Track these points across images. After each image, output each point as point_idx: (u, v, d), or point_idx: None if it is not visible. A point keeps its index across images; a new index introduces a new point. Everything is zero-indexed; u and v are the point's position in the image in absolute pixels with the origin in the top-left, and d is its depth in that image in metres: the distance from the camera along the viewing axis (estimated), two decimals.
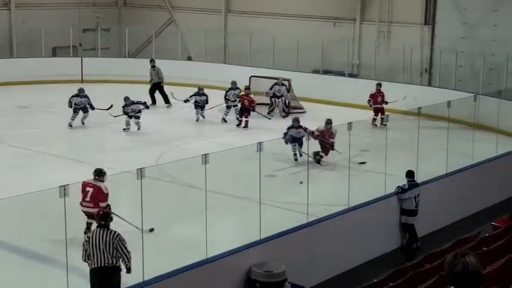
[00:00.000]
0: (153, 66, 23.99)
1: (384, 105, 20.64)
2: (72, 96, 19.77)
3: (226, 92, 21.30)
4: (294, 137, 16.47)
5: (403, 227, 12.49)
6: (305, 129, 16.53)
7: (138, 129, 19.57)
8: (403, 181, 12.43)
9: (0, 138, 18.20)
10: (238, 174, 14.91)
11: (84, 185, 11.28)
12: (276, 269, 9.69)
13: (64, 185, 8.21)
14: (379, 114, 20.46)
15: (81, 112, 19.65)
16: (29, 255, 11.12)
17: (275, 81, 22.70)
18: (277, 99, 22.00)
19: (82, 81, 26.32)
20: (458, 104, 15.90)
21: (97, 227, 8.90)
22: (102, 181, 11.36)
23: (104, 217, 8.97)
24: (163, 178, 14.10)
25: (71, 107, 19.58)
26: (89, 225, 11.30)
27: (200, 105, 21.09)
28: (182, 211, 12.71)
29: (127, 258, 8.83)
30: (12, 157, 16.46)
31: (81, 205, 11.25)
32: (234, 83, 21.43)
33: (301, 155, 16.39)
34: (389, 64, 24.56)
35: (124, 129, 19.47)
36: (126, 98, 19.93)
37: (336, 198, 12.38)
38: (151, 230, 11.34)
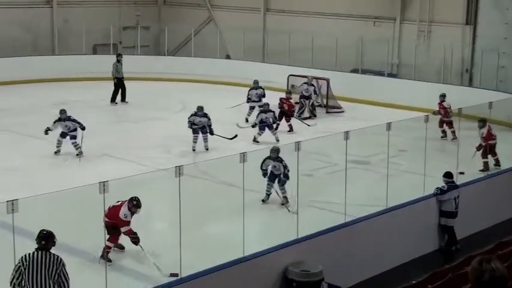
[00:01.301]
0: (120, 61, 23.61)
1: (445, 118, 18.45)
2: (191, 116, 17.43)
3: (248, 91, 21.21)
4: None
5: (442, 229, 12.35)
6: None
7: (77, 155, 16.36)
8: (442, 182, 12.30)
9: (40, 135, 18.43)
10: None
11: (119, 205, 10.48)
12: (313, 269, 9.65)
13: (104, 181, 8.27)
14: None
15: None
16: (67, 250, 11.24)
17: (314, 81, 22.64)
18: (305, 100, 21.58)
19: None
20: (499, 105, 15.67)
21: (36, 249, 7.80)
22: (135, 212, 10.42)
23: (45, 237, 7.85)
24: (201, 176, 14.15)
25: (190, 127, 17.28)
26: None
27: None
28: (219, 209, 12.73)
29: (66, 286, 7.89)
30: (51, 153, 16.65)
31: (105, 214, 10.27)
32: (256, 82, 21.27)
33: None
34: (429, 64, 24.30)
35: (55, 152, 16.56)
36: (63, 111, 16.82)
37: (374, 199, 12.28)
38: (174, 275, 9.60)
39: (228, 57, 29.40)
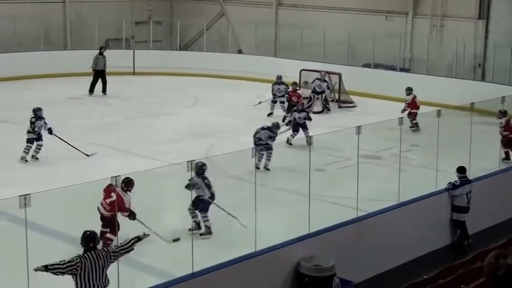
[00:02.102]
0: (102, 54, 23.71)
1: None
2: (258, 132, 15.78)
3: (272, 85, 21.29)
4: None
5: (454, 223, 12.33)
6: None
7: (34, 156, 15.87)
8: (455, 177, 12.27)
9: (54, 128, 18.51)
10: (287, 167, 14.89)
11: (112, 189, 10.52)
12: (325, 264, 9.66)
13: (116, 176, 8.32)
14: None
15: None
16: (77, 245, 11.29)
17: (326, 75, 22.60)
18: (316, 95, 21.61)
19: (134, 73, 26.63)
20: None
21: (85, 251, 7.89)
22: (130, 191, 10.74)
23: (92, 239, 7.97)
24: (213, 170, 14.16)
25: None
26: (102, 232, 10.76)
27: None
28: (231, 204, 12.75)
29: (132, 244, 8.15)
30: (63, 147, 16.72)
31: (101, 205, 10.81)
32: (279, 77, 21.26)
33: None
34: (441, 59, 24.21)
35: (22, 157, 15.75)
36: (38, 109, 16.28)
37: (386, 194, 12.27)
38: (177, 239, 10.71)
39: (240, 51, 29.41)
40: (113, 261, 8.03)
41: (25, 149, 15.76)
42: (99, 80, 23.51)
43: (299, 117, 17.61)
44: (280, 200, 13.09)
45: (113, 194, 10.61)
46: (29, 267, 7.72)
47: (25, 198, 7.40)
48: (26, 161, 15.71)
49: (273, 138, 15.24)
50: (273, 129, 15.37)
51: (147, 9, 30.33)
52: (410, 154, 15.73)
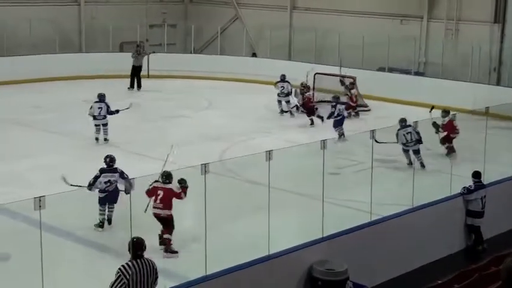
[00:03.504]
0: (139, 51, 25.31)
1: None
2: None
3: (275, 83, 21.76)
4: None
5: (468, 228, 12.26)
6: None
7: (106, 139, 17.79)
8: (469, 182, 12.20)
9: (68, 131, 18.62)
10: (301, 171, 14.87)
11: (155, 188, 11.06)
12: (338, 268, 9.63)
13: (131, 178, 8.33)
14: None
15: None
16: (95, 247, 11.34)
17: (339, 79, 22.57)
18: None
19: (148, 76, 26.69)
20: None
21: (133, 257, 7.66)
22: (171, 183, 11.12)
23: (139, 246, 7.73)
24: (226, 174, 14.18)
25: None
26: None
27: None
28: (245, 207, 12.76)
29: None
30: (77, 149, 16.81)
31: (153, 207, 11.08)
32: (283, 76, 21.79)
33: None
34: (456, 63, 24.11)
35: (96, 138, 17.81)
36: (101, 95, 18.09)
37: (400, 198, 12.22)
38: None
39: (254, 55, 29.43)
40: (156, 277, 7.76)
41: (95, 131, 17.63)
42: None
43: (341, 110, 18.70)
44: (294, 203, 13.07)
45: (159, 192, 10.99)
46: (43, 269, 7.74)
47: (40, 200, 7.42)
48: (97, 139, 17.59)
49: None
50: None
51: (162, 12, 30.44)
52: (425, 158, 15.66)
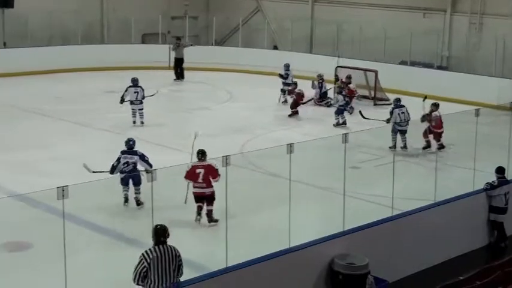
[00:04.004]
0: (179, 44, 25.83)
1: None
2: None
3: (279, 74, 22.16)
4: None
5: (491, 224, 12.15)
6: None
7: (141, 122, 18.64)
8: (493, 178, 12.09)
9: (89, 122, 18.69)
10: (322, 164, 14.82)
11: (194, 167, 11.54)
12: (359, 262, 9.59)
13: (151, 170, 8.34)
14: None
15: None
16: (116, 237, 11.39)
17: (362, 72, 22.46)
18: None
19: (169, 67, 26.73)
20: None
21: (156, 244, 7.84)
22: (205, 160, 11.65)
23: (163, 233, 7.87)
24: (247, 166, 14.17)
25: None
26: (199, 209, 11.72)
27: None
28: (265, 199, 12.74)
29: (181, 275, 8.05)
30: (100, 140, 16.87)
31: (194, 187, 11.57)
32: (287, 65, 22.17)
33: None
34: (480, 57, 23.90)
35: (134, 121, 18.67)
36: (135, 79, 18.87)
37: (422, 193, 12.15)
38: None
39: (275, 47, 29.37)
40: (181, 264, 7.93)
41: (132, 115, 18.45)
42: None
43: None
44: (315, 196, 13.03)
45: (198, 171, 11.47)
46: (66, 258, 7.78)
47: (63, 190, 7.46)
48: (134, 122, 18.37)
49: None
50: None
51: (184, 4, 30.45)
52: (447, 153, 15.56)
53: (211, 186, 11.51)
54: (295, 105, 20.36)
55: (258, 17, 30.69)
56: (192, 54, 26.68)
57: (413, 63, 24.97)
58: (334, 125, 19.04)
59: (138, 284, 7.82)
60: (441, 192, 11.66)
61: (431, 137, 16.23)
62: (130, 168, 12.18)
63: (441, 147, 15.91)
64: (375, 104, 22.37)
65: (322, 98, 21.72)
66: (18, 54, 25.41)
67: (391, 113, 16.79)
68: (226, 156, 9.02)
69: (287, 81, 21.95)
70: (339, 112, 19.23)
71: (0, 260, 10.28)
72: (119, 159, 12.23)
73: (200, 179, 11.51)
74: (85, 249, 10.38)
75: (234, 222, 11.09)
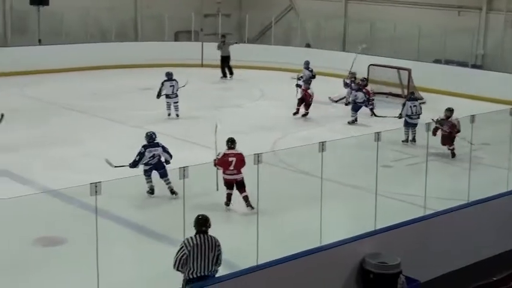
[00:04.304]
0: (224, 42, 25.96)
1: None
2: None
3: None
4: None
5: None
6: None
7: (177, 114, 19.33)
8: None
9: (123, 119, 18.84)
10: (353, 163, 14.77)
11: (227, 155, 12.13)
12: (391, 261, 9.52)
13: (184, 167, 8.38)
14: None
15: None
16: (147, 233, 11.47)
17: (395, 70, 22.31)
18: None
19: (202, 65, 26.83)
20: None
21: (197, 232, 8.13)
22: (235, 148, 12.29)
23: (205, 223, 8.21)
24: (279, 164, 14.17)
25: None
26: (229, 196, 12.20)
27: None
28: (296, 198, 12.73)
29: (220, 265, 8.35)
30: (134, 137, 16.96)
31: (225, 174, 12.13)
32: (307, 62, 22.15)
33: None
34: None
35: (168, 114, 19.33)
36: (169, 73, 19.49)
37: (455, 193, 12.05)
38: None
39: (308, 45, 29.29)
40: (219, 255, 8.21)
41: (167, 108, 19.17)
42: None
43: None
44: (346, 195, 12.99)
45: (231, 159, 12.08)
46: (98, 253, 7.86)
47: (96, 186, 7.53)
48: (169, 115, 19.14)
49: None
50: None
51: (216, 2, 30.50)
52: (481, 153, 15.37)
53: (241, 173, 12.03)
54: (301, 103, 19.81)
55: (290, 15, 30.64)
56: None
57: (447, 62, 24.75)
58: (349, 122, 19.11)
59: (177, 270, 8.05)
60: (475, 192, 11.54)
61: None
62: (156, 161, 12.70)
63: (452, 155, 15.74)
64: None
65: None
66: (53, 51, 25.69)
67: (404, 105, 17.34)
68: (258, 154, 9.03)
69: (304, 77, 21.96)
70: (357, 109, 19.26)
71: (34, 254, 10.41)
72: (140, 154, 12.63)
73: (232, 167, 12.06)
74: (117, 244, 10.47)
75: (265, 220, 11.11)
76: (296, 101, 19.91)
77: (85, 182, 7.70)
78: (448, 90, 22.93)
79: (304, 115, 19.72)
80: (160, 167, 12.67)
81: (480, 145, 15.49)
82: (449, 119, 15.83)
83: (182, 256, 7.98)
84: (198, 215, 8.20)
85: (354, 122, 19.15)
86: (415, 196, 11.41)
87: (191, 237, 8.06)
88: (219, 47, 26.11)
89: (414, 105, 17.18)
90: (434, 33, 24.68)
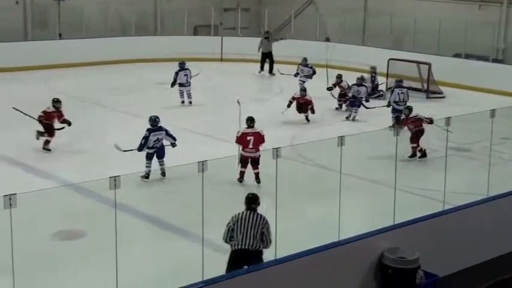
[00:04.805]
0: (267, 38, 25.98)
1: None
2: None
3: (298, 65, 22.44)
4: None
5: None
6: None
7: (190, 101, 20.25)
8: None
9: (143, 112, 18.87)
10: (372, 157, 14.73)
11: (245, 134, 13.09)
12: (410, 256, 9.50)
13: (203, 161, 8.40)
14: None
15: None
16: (167, 227, 11.52)
17: (414, 64, 22.20)
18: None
19: (221, 59, 26.85)
20: None
21: (246, 209, 8.83)
22: (254, 127, 13.27)
23: (254, 200, 8.91)
24: (297, 159, 14.17)
25: None
26: (242, 174, 13.07)
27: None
28: (315, 192, 12.73)
29: (268, 244, 8.85)
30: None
31: (243, 151, 13.03)
32: (304, 59, 22.31)
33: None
34: None
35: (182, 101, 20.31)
36: (182, 62, 20.42)
37: (475, 187, 11.97)
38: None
39: (327, 39, 29.17)
40: (264, 231, 8.73)
41: (180, 96, 20.12)
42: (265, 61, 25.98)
43: (357, 91, 19.05)
44: (365, 189, 12.97)
45: (249, 138, 13.01)
46: (117, 247, 7.90)
47: (115, 180, 7.57)
48: (183, 102, 20.13)
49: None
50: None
51: None
52: (501, 147, 15.27)
53: (259, 151, 12.89)
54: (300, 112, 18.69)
55: (310, 8, 30.55)
56: (245, 46, 26.76)
57: (467, 56, 24.58)
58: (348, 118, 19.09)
59: (226, 242, 8.80)
60: (494, 187, 11.46)
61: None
62: (160, 145, 13.43)
63: (416, 154, 15.15)
64: (428, 97, 22.10)
65: (373, 91, 21.51)
66: (73, 45, 25.85)
67: (392, 91, 18.13)
68: (277, 148, 9.03)
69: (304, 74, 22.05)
70: (358, 105, 19.07)
71: (53, 248, 10.49)
72: (146, 138, 13.31)
73: (250, 145, 12.95)
74: (136, 239, 10.54)
75: (283, 214, 11.11)
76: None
77: (104, 176, 7.74)
78: (468, 85, 22.78)
79: (307, 118, 18.72)
80: (161, 151, 13.42)
81: (500, 139, 15.40)
82: (416, 116, 15.43)
83: (228, 229, 8.71)
84: (248, 194, 8.93)
85: (350, 118, 19.03)
86: (434, 191, 11.35)
87: (239, 213, 8.75)
88: (261, 43, 25.92)
89: (402, 92, 17.83)
90: (454, 27, 24.50)
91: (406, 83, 21.92)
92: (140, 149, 13.28)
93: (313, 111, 18.56)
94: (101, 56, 25.77)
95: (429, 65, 22.36)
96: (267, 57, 25.92)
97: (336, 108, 20.09)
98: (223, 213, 10.11)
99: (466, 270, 10.53)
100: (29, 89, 21.46)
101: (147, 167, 13.26)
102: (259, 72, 25.79)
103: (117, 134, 16.72)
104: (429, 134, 16.61)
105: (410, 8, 26.27)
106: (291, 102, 18.52)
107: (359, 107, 19.03)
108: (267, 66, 25.90)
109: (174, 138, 13.62)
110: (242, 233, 8.67)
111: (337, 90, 20.47)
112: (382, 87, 22.16)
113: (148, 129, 13.45)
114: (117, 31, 28.01)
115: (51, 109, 15.52)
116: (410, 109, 15.72)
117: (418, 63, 22.70)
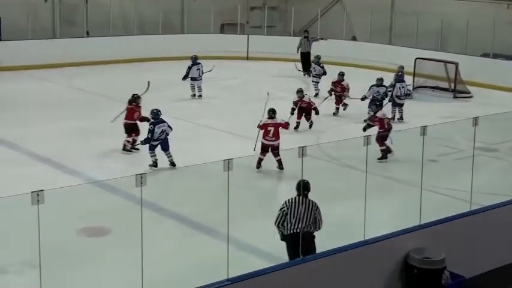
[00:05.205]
0: (306, 38, 25.79)
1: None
2: None
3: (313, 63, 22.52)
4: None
5: None
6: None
7: (200, 95, 20.87)
8: None
9: (167, 110, 18.92)
10: (399, 157, 14.65)
11: (266, 125, 13.89)
12: (435, 256, 9.44)
13: (228, 159, 8.40)
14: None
15: None
16: (192, 225, 11.55)
17: (442, 64, 22.03)
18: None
19: (247, 58, 26.86)
20: None
21: (298, 195, 9.19)
22: (275, 117, 14.00)
23: (306, 187, 9.21)
24: (323, 157, 14.14)
25: None
26: (260, 161, 13.58)
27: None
28: (341, 191, 12.69)
29: (320, 227, 9.27)
30: (176, 129, 17.07)
31: (264, 139, 13.86)
32: (317, 57, 22.40)
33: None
34: None
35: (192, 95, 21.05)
36: (195, 57, 21.18)
37: (502, 188, 11.86)
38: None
39: (354, 38, 29.10)
40: (316, 216, 9.15)
41: (191, 89, 20.88)
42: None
43: (377, 92, 18.47)
44: (391, 189, 12.91)
45: (270, 128, 13.81)
46: (143, 245, 7.93)
47: (141, 177, 7.60)
48: (194, 95, 20.85)
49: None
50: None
51: None
52: None
53: (279, 139, 13.75)
54: (301, 115, 17.74)
55: (337, 7, 30.47)
56: (270, 45, 26.75)
57: (495, 56, 24.36)
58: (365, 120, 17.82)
59: (277, 226, 9.11)
60: None
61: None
62: (164, 136, 13.88)
63: (384, 155, 14.51)
64: (455, 97, 21.94)
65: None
66: (100, 43, 26.05)
67: (393, 86, 18.38)
68: (303, 147, 9.01)
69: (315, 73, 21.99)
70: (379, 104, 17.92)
71: (78, 244, 10.57)
72: (151, 131, 13.71)
73: (271, 134, 13.75)
74: (161, 236, 10.57)
75: None
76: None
77: (130, 173, 7.78)
78: (496, 85, 22.58)
79: (310, 126, 17.85)
80: (165, 142, 13.86)
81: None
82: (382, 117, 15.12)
83: (281, 214, 9.04)
84: (299, 181, 9.13)
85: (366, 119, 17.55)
86: (461, 191, 11.26)
87: (292, 198, 9.10)
88: (300, 43, 25.69)
89: (403, 87, 18.37)
90: (482, 27, 24.29)
91: (433, 83, 21.86)
92: (146, 142, 13.74)
93: (317, 112, 17.85)
94: (127, 54, 25.95)
95: (456, 64, 22.19)
96: (305, 57, 25.69)
97: (334, 114, 19.41)
98: (249, 212, 10.16)
99: (492, 272, 10.44)
100: (52, 86, 21.59)
101: (152, 156, 13.78)
102: (304, 75, 25.11)
103: (142, 132, 16.80)
104: (456, 134, 16.52)
105: (437, 7, 26.09)
106: (293, 109, 17.56)
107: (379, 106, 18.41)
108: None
109: (171, 128, 14.09)
110: (296, 217, 9.02)
111: (332, 98, 19.81)
112: (409, 87, 21.97)
113: (152, 123, 13.91)
114: (144, 29, 28.15)
115: (132, 106, 15.62)
116: (378, 106, 16.16)
117: (445, 62, 22.55)
